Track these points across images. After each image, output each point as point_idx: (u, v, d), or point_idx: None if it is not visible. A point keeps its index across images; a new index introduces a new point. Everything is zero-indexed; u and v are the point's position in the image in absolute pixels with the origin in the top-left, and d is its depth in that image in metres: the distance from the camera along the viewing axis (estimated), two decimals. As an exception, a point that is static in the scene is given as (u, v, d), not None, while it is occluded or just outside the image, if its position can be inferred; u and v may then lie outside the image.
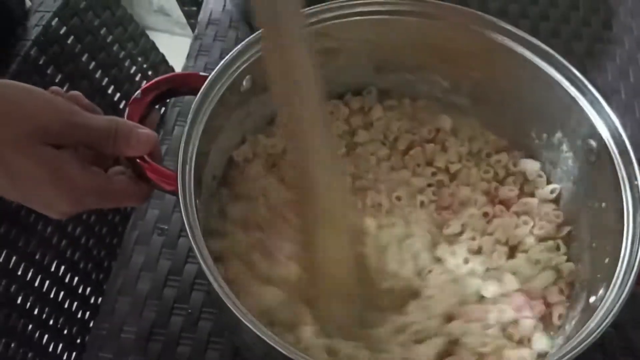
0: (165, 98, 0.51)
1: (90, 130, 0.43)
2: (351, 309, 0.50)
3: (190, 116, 0.47)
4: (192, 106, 0.48)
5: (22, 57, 0.62)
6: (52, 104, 0.42)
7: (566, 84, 0.52)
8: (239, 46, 0.51)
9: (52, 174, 0.42)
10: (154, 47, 0.85)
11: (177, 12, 1.60)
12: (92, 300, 0.72)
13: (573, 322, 0.47)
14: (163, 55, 0.86)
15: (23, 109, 0.41)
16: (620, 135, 0.48)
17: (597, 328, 0.40)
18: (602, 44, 0.76)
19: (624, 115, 0.69)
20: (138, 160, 0.46)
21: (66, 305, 0.67)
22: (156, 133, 0.47)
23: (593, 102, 0.50)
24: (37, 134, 0.41)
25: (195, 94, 0.48)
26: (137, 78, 0.81)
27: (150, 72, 0.83)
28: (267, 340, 0.38)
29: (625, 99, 0.71)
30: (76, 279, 0.69)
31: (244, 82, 0.52)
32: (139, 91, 0.49)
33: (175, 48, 0.91)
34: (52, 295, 0.65)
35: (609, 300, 0.42)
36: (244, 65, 0.51)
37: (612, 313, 0.40)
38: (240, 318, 0.39)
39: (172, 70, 0.90)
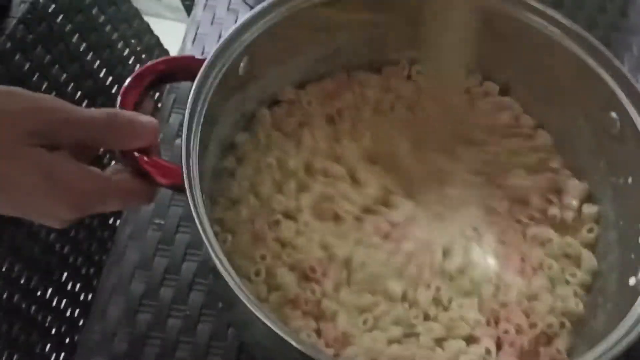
0: (158, 85, 0.48)
1: (86, 125, 0.40)
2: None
3: (189, 105, 0.44)
4: (190, 94, 0.44)
5: (6, 36, 0.59)
6: (36, 103, 0.39)
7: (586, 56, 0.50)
8: (234, 26, 0.48)
9: (45, 178, 0.39)
10: (148, 29, 0.82)
11: (168, -4, 1.59)
12: (81, 298, 0.69)
13: (608, 306, 0.46)
14: (158, 38, 0.84)
15: (2, 114, 0.38)
16: None
17: None
18: (619, 32, 0.74)
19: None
20: (136, 154, 0.42)
21: (54, 303, 0.65)
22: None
23: (615, 75, 0.49)
24: (22, 138, 0.38)
25: (192, 80, 0.45)
26: (130, 61, 0.78)
27: (144, 56, 0.81)
28: (282, 335, 0.36)
29: (644, 90, 0.69)
30: (65, 274, 0.67)
31: (242, 65, 0.49)
32: (130, 78, 0.45)
33: (166, 32, 0.89)
34: (39, 293, 0.63)
35: None
36: (241, 47, 0.48)
37: None
38: (255, 312, 0.36)
39: (167, 53, 0.87)
